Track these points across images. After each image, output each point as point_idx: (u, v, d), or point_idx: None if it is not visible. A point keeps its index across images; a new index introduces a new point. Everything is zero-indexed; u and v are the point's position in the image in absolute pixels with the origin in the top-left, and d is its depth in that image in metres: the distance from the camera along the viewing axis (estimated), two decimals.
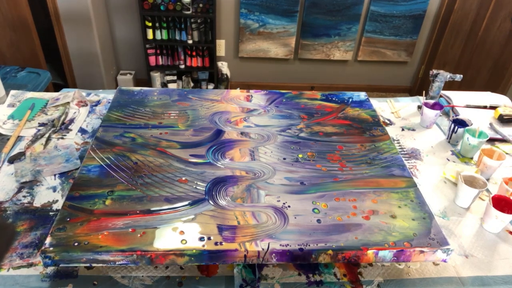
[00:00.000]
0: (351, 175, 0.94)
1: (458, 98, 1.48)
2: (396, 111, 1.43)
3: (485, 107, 1.46)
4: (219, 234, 0.76)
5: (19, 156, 1.08)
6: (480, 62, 2.77)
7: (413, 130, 1.33)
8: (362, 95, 1.30)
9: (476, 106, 1.46)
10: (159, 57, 3.02)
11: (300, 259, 0.75)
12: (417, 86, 3.36)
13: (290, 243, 0.75)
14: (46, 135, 1.17)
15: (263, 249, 0.73)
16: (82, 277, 0.79)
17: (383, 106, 1.46)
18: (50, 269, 0.79)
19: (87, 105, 1.33)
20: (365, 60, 3.21)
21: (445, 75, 1.40)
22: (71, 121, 1.24)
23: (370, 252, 0.75)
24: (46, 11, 2.53)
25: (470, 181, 1.02)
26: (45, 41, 2.49)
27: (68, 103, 1.31)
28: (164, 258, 0.73)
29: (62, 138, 1.17)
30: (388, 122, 1.36)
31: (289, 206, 0.83)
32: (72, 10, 2.60)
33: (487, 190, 1.08)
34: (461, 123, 1.25)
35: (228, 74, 3.16)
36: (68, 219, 0.77)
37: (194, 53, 3.00)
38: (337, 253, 0.75)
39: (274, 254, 0.74)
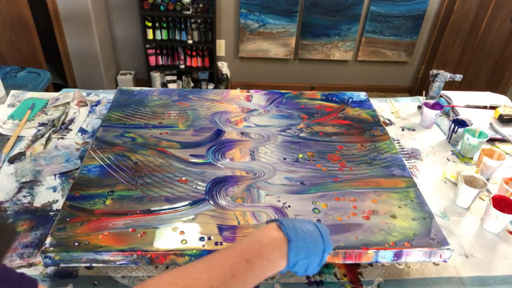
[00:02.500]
0: (351, 175, 0.94)
1: (458, 98, 1.48)
2: (396, 111, 1.43)
3: (485, 107, 1.46)
4: (219, 234, 0.76)
5: (19, 156, 1.08)
6: (480, 62, 2.77)
7: (413, 130, 1.33)
8: (362, 95, 1.30)
9: (476, 106, 1.46)
10: (159, 57, 3.02)
11: None
12: (417, 86, 3.37)
13: None
14: (46, 135, 1.17)
15: None
16: (82, 277, 0.79)
17: (383, 106, 1.46)
18: (50, 269, 0.79)
19: (87, 105, 1.33)
20: (365, 60, 3.21)
21: (445, 75, 1.40)
22: (71, 121, 1.25)
23: (370, 252, 0.75)
24: (46, 11, 2.53)
25: (470, 181, 1.02)
26: (45, 41, 2.49)
27: (68, 103, 1.31)
28: (164, 258, 0.73)
29: (62, 138, 1.17)
30: (388, 122, 1.36)
31: (289, 206, 0.83)
32: (72, 10, 2.60)
33: (487, 190, 1.08)
34: (461, 123, 1.25)
35: (228, 74, 3.16)
36: (68, 219, 0.77)
37: (194, 53, 3.00)
38: (338, 253, 0.75)
39: None
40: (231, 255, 0.55)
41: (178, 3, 2.73)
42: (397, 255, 0.76)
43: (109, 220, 0.78)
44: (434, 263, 0.86)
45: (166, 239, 0.74)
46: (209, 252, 0.72)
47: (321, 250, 0.59)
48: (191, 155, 0.98)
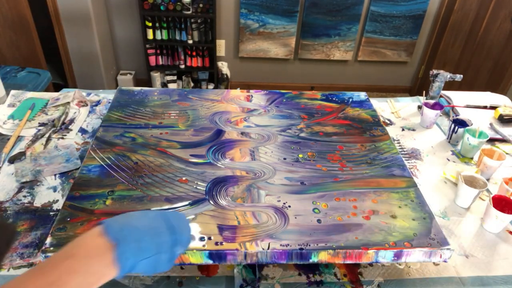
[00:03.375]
0: (351, 175, 0.94)
1: (458, 98, 1.48)
2: (396, 111, 1.43)
3: (485, 107, 1.46)
4: (220, 234, 0.76)
5: (20, 156, 1.08)
6: (480, 62, 2.77)
7: (413, 130, 1.33)
8: (362, 95, 1.30)
9: (476, 106, 1.46)
10: (159, 57, 3.02)
11: (301, 258, 0.75)
12: (417, 86, 3.37)
13: (291, 243, 0.75)
14: (46, 135, 1.17)
15: (263, 249, 0.73)
16: None
17: (383, 106, 1.46)
18: None
19: (87, 105, 1.33)
20: (365, 60, 3.21)
21: (445, 75, 1.40)
22: (71, 121, 1.25)
23: (371, 252, 0.75)
24: (46, 11, 2.53)
25: (470, 181, 1.02)
26: (45, 41, 2.49)
27: (68, 103, 1.31)
28: None
29: (62, 138, 1.17)
30: (388, 122, 1.36)
31: (289, 206, 0.83)
32: (72, 10, 2.60)
33: (487, 190, 1.08)
34: (461, 123, 1.25)
35: (228, 74, 3.16)
36: (69, 219, 0.77)
37: (194, 53, 3.01)
38: (338, 253, 0.75)
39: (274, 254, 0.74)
40: (34, 277, 0.45)
41: (178, 3, 2.73)
42: (397, 255, 0.76)
43: None
44: (434, 263, 0.86)
45: None
46: (210, 251, 0.73)
47: (169, 245, 0.55)
48: (191, 155, 0.98)
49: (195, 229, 0.77)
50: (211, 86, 3.22)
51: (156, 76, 3.10)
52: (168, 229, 0.56)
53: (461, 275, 0.84)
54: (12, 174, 1.02)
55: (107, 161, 0.94)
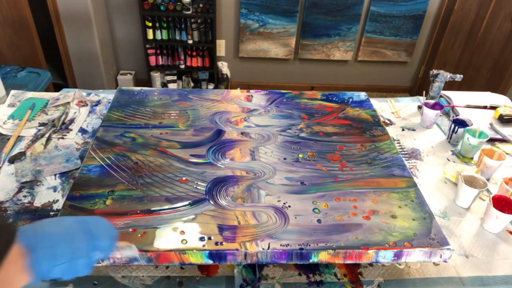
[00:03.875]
0: (351, 175, 0.94)
1: (458, 98, 1.48)
2: (396, 111, 1.43)
3: (485, 107, 1.46)
4: (220, 234, 0.76)
5: (20, 156, 1.08)
6: (480, 62, 2.77)
7: (413, 130, 1.33)
8: (362, 95, 1.30)
9: (476, 106, 1.46)
10: (159, 57, 3.02)
11: (301, 258, 0.75)
12: (417, 86, 3.36)
13: (291, 243, 0.75)
14: (47, 135, 1.17)
15: (263, 249, 0.73)
16: (82, 277, 0.79)
17: (383, 106, 1.46)
18: None
19: (87, 105, 1.33)
20: (365, 60, 3.21)
21: (445, 75, 1.40)
22: (72, 121, 1.25)
23: (371, 252, 0.75)
24: (46, 11, 2.53)
25: (470, 181, 1.02)
26: (45, 41, 2.49)
27: (69, 103, 1.31)
28: (165, 258, 0.73)
29: (62, 138, 1.17)
30: (388, 122, 1.36)
31: (289, 206, 0.84)
32: (72, 10, 2.60)
33: (487, 190, 1.08)
34: (461, 123, 1.25)
35: (228, 74, 3.16)
36: None
37: (194, 53, 3.00)
38: (338, 253, 0.75)
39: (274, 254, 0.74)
40: None
41: (178, 3, 2.73)
42: (397, 255, 0.76)
43: (110, 220, 0.77)
44: (434, 263, 0.86)
45: (166, 239, 0.74)
46: (210, 251, 0.73)
47: (86, 250, 0.57)
48: (191, 155, 0.98)
49: (195, 229, 0.77)
50: (211, 86, 3.22)
51: (156, 76, 3.10)
52: (84, 234, 0.58)
53: (461, 275, 0.84)
54: (12, 174, 1.02)
55: (107, 161, 0.94)
